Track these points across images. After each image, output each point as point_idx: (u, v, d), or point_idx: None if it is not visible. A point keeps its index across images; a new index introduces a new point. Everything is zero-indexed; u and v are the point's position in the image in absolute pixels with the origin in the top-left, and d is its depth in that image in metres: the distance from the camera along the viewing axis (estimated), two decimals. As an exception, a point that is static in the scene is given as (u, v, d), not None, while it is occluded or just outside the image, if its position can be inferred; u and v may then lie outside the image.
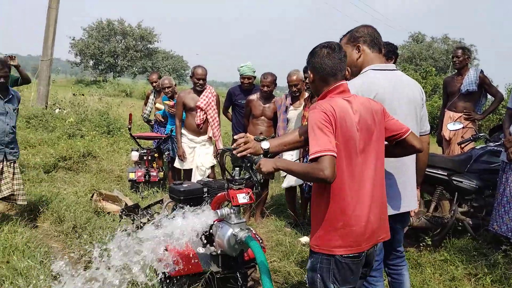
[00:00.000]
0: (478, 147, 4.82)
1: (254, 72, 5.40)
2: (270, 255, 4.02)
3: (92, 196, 5.26)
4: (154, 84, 6.90)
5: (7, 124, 4.25)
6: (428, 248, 4.19)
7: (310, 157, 1.92)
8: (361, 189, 2.07)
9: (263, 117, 5.03)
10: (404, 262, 2.79)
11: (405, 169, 2.53)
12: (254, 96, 5.09)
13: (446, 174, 4.41)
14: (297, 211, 5.10)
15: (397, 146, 2.31)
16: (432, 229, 4.39)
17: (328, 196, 2.07)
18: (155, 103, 6.87)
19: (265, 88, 4.98)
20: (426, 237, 4.21)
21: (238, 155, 2.45)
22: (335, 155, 1.90)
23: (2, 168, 4.29)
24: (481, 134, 5.14)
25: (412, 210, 2.67)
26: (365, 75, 2.51)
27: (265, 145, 2.50)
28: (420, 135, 2.64)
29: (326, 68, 2.15)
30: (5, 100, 4.25)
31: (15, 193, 4.34)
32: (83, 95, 13.74)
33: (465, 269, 3.80)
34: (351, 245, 2.07)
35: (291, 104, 4.82)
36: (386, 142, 2.26)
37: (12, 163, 4.35)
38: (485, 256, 3.98)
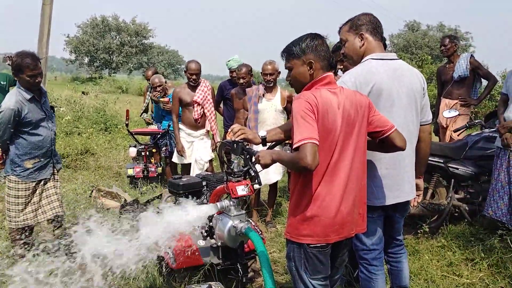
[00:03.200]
0: (473, 134, 4.85)
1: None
2: (269, 246, 4.07)
3: (91, 193, 5.29)
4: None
5: (51, 130, 3.68)
6: (426, 235, 4.24)
7: (294, 146, 1.95)
8: (333, 181, 2.08)
9: (242, 110, 5.00)
10: (403, 250, 2.81)
11: (403, 159, 2.53)
12: (234, 90, 5.10)
13: (442, 161, 4.45)
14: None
15: (380, 143, 2.32)
16: (429, 216, 4.44)
17: (301, 185, 2.11)
18: (153, 99, 6.85)
19: (241, 80, 4.99)
20: (424, 224, 4.26)
21: (235, 138, 2.49)
22: (317, 142, 1.92)
23: (46, 184, 3.71)
24: (476, 121, 5.19)
25: (411, 199, 2.68)
26: (365, 64, 2.50)
27: (263, 133, 2.56)
28: (421, 125, 2.64)
29: (327, 57, 2.16)
30: (42, 102, 3.61)
31: (58, 212, 3.77)
32: (85, 93, 13.73)
33: (462, 254, 3.86)
34: (319, 235, 2.09)
35: (263, 95, 4.74)
36: (369, 138, 2.26)
37: (56, 174, 3.82)
38: (482, 241, 4.04)
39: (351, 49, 2.58)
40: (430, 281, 3.38)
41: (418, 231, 4.25)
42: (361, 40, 2.54)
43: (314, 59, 2.14)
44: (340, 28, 2.65)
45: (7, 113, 3.33)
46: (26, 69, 3.36)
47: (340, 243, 2.21)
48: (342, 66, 3.72)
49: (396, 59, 2.58)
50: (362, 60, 2.54)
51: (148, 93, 7.06)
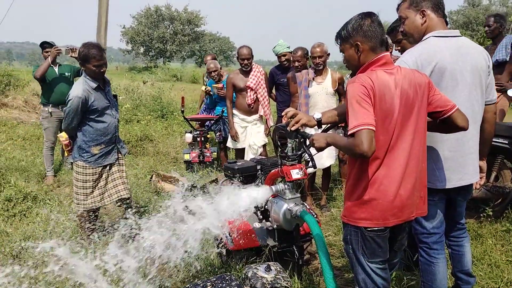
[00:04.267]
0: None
1: (288, 47, 5.38)
2: (325, 230, 4.08)
3: (151, 178, 5.53)
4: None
5: (115, 117, 3.86)
6: (489, 219, 4.06)
7: (349, 132, 1.92)
8: (392, 164, 2.03)
9: (298, 94, 4.91)
10: (466, 234, 2.73)
11: (467, 140, 2.44)
12: (290, 73, 5.03)
13: (507, 142, 4.22)
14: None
15: (441, 123, 2.23)
16: (492, 199, 4.24)
17: (358, 168, 2.08)
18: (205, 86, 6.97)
19: (296, 63, 4.93)
20: (487, 208, 4.08)
21: (292, 128, 2.49)
22: (373, 128, 1.88)
23: (112, 169, 3.91)
24: (544, 99, 4.85)
25: (475, 182, 2.59)
26: (426, 42, 2.41)
27: (317, 115, 2.54)
28: (486, 104, 2.53)
29: (378, 37, 2.10)
30: (106, 91, 3.80)
31: (123, 195, 3.95)
32: (145, 82, 14.21)
33: (530, 240, 3.67)
34: (377, 218, 2.06)
35: (313, 79, 4.68)
36: (429, 119, 2.19)
37: (121, 159, 4.02)
38: (550, 225, 3.82)
39: (412, 27, 2.49)
40: (494, 266, 3.25)
41: (481, 214, 4.08)
42: (423, 17, 2.44)
43: (361, 40, 2.09)
44: (399, 5, 2.55)
45: (75, 101, 3.53)
46: (92, 59, 3.57)
47: (399, 227, 2.18)
48: (399, 48, 3.59)
49: (459, 36, 2.47)
50: (423, 38, 2.45)
51: (204, 78, 7.18)
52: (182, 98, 6.89)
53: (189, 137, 6.48)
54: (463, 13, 38.94)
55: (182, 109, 6.71)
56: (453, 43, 2.40)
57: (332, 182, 5.67)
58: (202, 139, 6.41)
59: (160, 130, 8.80)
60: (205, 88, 6.83)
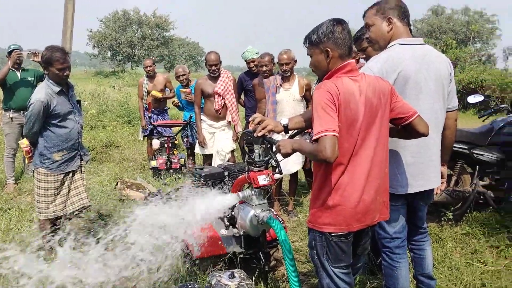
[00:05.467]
0: (499, 119, 4.74)
1: (257, 53, 5.41)
2: (291, 235, 4.10)
3: (116, 185, 5.42)
4: (149, 68, 6.82)
5: (78, 123, 3.75)
6: (450, 223, 4.19)
7: (313, 137, 1.94)
8: (356, 170, 2.07)
9: (264, 99, 4.88)
10: (427, 238, 2.80)
11: (428, 146, 2.50)
12: (256, 80, 5.02)
13: (467, 147, 4.38)
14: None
15: (403, 129, 2.28)
16: (453, 203, 4.38)
17: (322, 174, 2.11)
18: (148, 90, 6.83)
19: (264, 68, 4.89)
20: (448, 212, 4.21)
21: (259, 134, 2.49)
22: (337, 134, 1.91)
23: (74, 176, 3.81)
24: (502, 106, 5.06)
25: (436, 187, 2.66)
26: (392, 49, 2.45)
27: (284, 121, 2.55)
28: (447, 111, 2.60)
29: (348, 44, 2.12)
30: (69, 95, 3.70)
31: (85, 203, 3.90)
32: (114, 87, 13.83)
33: (486, 242, 3.81)
34: (341, 223, 2.09)
35: (281, 85, 4.69)
36: (391, 125, 2.24)
37: (83, 166, 3.92)
38: (507, 228, 3.99)
39: (378, 34, 2.53)
40: (454, 269, 3.35)
41: (442, 218, 4.21)
42: (389, 25, 2.48)
43: (332, 47, 2.11)
44: (366, 11, 2.59)
45: (37, 105, 3.43)
46: (56, 63, 3.48)
47: (362, 231, 2.22)
48: (364, 56, 3.66)
49: (423, 44, 2.54)
50: (388, 46, 2.49)
51: (144, 84, 6.90)
52: (149, 104, 6.81)
53: (156, 143, 6.40)
54: (427, 22, 40.22)
55: (149, 115, 6.63)
56: (417, 51, 2.46)
57: (300, 187, 5.71)
58: (170, 145, 6.35)
59: (126, 136, 8.65)
60: (174, 102, 6.77)
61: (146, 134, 6.83)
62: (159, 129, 6.60)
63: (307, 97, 4.80)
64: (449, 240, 3.85)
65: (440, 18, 40.07)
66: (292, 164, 4.73)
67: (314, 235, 2.21)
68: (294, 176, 4.96)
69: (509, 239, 3.76)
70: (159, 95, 6.69)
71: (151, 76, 6.85)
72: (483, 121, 5.18)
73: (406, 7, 2.52)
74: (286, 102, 4.70)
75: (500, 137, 4.45)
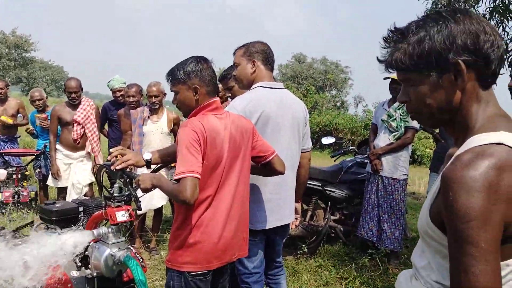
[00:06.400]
0: (348, 159, 5.28)
1: (124, 83, 5.28)
2: (152, 274, 3.93)
3: None
4: (0, 91, 6.16)
5: None
6: (305, 256, 4.45)
7: (174, 177, 1.92)
8: (219, 206, 2.09)
9: (130, 131, 4.73)
10: (283, 271, 2.91)
11: (286, 184, 2.64)
12: (122, 110, 4.88)
13: (320, 184, 4.75)
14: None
15: (262, 167, 2.38)
16: (308, 237, 4.68)
17: (185, 211, 2.09)
18: None
19: (131, 99, 4.78)
20: (303, 245, 4.47)
21: (117, 167, 2.36)
22: (198, 176, 1.91)
23: None
24: (350, 148, 5.66)
25: (291, 222, 2.80)
26: (255, 91, 2.57)
27: (147, 156, 2.45)
28: (302, 152, 2.78)
29: (214, 82, 2.16)
30: None
31: None
32: None
33: (337, 273, 4.11)
34: (201, 261, 2.08)
35: (149, 117, 4.62)
36: (252, 163, 2.33)
37: None
38: (354, 260, 4.37)
39: (242, 73, 2.65)
40: (308, 301, 3.53)
41: (298, 252, 4.45)
42: (253, 67, 2.61)
43: (199, 84, 2.13)
44: (236, 50, 2.70)
45: None
46: None
47: (222, 269, 2.21)
48: (230, 94, 3.79)
49: (283, 88, 2.71)
50: (252, 87, 2.61)
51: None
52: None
53: (2, 173, 5.67)
54: (291, 68, 43.59)
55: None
56: (277, 95, 2.61)
57: (165, 222, 5.55)
58: (19, 176, 5.68)
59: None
60: (28, 129, 6.15)
61: None
62: (6, 158, 5.89)
63: (175, 131, 4.76)
64: (304, 272, 4.07)
65: (302, 65, 43.78)
66: (157, 199, 4.59)
67: (172, 275, 2.13)
68: (158, 211, 4.81)
69: (355, 271, 4.11)
70: (10, 121, 6.03)
71: (1, 100, 6.16)
72: (335, 160, 5.71)
73: (272, 53, 2.69)
74: (154, 135, 4.59)
75: (348, 176, 4.94)
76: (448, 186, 0.95)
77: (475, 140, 1.01)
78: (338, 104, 35.14)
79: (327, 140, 5.72)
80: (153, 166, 2.63)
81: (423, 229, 1.11)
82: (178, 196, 1.90)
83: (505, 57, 5.83)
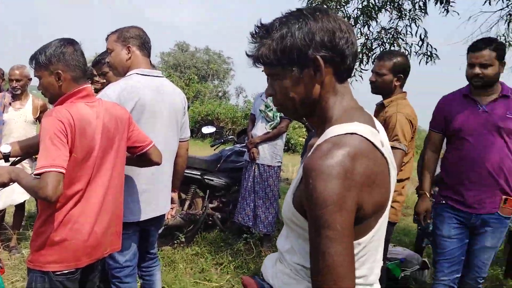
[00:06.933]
0: (227, 148, 5.37)
1: None
2: (12, 275, 3.58)
3: None
4: None
5: None
6: (182, 245, 4.43)
7: (35, 172, 1.75)
8: (90, 200, 1.97)
9: None
10: (157, 263, 2.85)
11: (162, 174, 2.57)
12: None
13: (199, 173, 4.76)
14: None
15: (138, 157, 2.30)
16: (186, 226, 4.67)
17: (48, 207, 1.91)
18: None
19: None
20: (180, 235, 4.45)
21: None
22: (62, 171, 1.76)
23: None
24: (230, 137, 5.77)
25: (167, 212, 2.74)
26: (130, 78, 2.44)
27: (5, 148, 2.20)
28: (180, 141, 2.73)
29: (81, 67, 1.99)
30: None
31: None
32: None
33: (213, 260, 4.17)
34: (68, 260, 1.93)
35: (10, 104, 4.19)
36: (128, 153, 2.23)
37: None
38: (230, 245, 4.48)
39: (117, 60, 2.51)
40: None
41: (175, 241, 4.42)
42: (128, 53, 2.48)
43: (63, 69, 1.95)
44: (108, 35, 2.54)
45: None
46: None
47: (91, 266, 2.08)
48: (104, 80, 3.57)
49: (161, 76, 2.61)
50: (127, 74, 2.49)
51: None
52: None
53: None
54: (174, 56, 42.73)
55: None
56: (154, 83, 2.52)
57: (28, 218, 5.08)
58: None
59: None
60: None
61: None
62: None
63: (41, 119, 4.34)
64: (180, 262, 4.05)
65: (185, 54, 43.20)
66: (19, 194, 4.16)
67: (34, 275, 1.93)
68: (21, 206, 4.37)
69: (231, 256, 4.22)
70: None
71: None
72: (215, 150, 5.77)
73: (148, 38, 2.58)
74: (16, 123, 4.15)
75: (227, 164, 5.04)
76: (308, 174, 1.01)
77: (332, 131, 1.09)
78: (220, 94, 35.46)
79: (207, 130, 5.75)
80: (12, 159, 2.37)
81: (287, 216, 1.18)
82: (38, 193, 1.73)
83: (369, 53, 6.35)
